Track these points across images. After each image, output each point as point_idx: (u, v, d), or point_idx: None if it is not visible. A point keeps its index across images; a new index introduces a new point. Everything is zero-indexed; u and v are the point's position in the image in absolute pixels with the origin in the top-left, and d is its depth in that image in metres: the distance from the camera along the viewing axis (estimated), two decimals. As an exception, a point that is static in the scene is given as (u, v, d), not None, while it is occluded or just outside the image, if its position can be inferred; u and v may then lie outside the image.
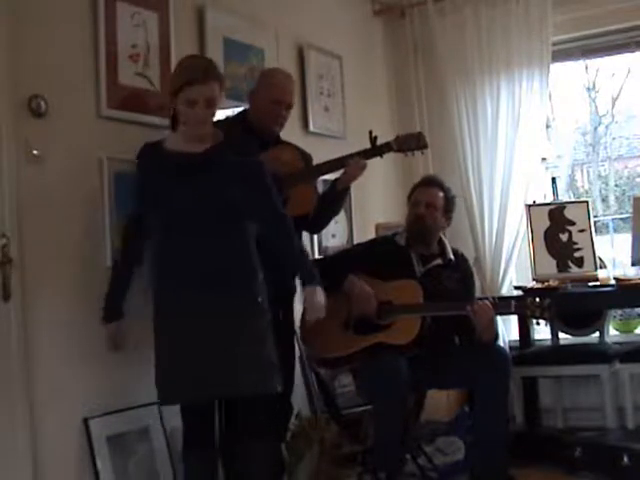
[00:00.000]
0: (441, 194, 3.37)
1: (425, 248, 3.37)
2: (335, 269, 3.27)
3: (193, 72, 2.54)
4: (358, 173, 3.18)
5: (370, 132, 3.20)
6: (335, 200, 3.26)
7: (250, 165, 2.64)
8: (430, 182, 3.43)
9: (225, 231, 2.56)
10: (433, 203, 3.35)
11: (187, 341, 2.51)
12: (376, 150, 3.21)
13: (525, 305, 3.09)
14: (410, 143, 3.25)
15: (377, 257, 3.34)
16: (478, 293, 3.85)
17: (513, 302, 3.17)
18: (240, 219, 2.60)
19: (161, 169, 2.59)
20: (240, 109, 3.24)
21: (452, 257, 3.40)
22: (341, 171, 3.21)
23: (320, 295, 2.71)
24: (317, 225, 3.37)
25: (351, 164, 3.15)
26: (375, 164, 3.44)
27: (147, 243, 2.67)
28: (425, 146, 3.29)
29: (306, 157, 3.21)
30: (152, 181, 2.59)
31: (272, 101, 3.07)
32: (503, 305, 3.17)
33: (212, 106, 2.56)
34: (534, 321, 3.21)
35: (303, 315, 3.26)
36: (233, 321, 2.53)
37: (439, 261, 3.37)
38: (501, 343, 4.03)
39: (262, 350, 2.56)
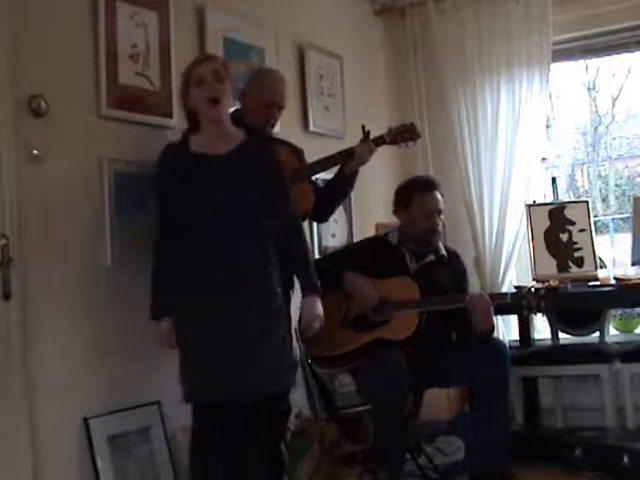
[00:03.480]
0: (440, 196, 3.39)
1: (421, 247, 3.38)
2: (330, 269, 3.28)
3: (195, 60, 2.70)
4: (367, 156, 3.17)
5: (363, 126, 3.21)
6: (343, 186, 3.26)
7: (272, 165, 2.68)
8: (432, 186, 3.39)
9: (245, 230, 2.58)
10: (441, 210, 3.36)
11: (213, 340, 2.52)
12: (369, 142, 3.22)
13: (521, 295, 3.11)
14: (403, 134, 3.25)
15: (370, 256, 3.36)
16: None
17: (509, 293, 3.21)
18: (259, 218, 2.62)
19: (185, 170, 2.60)
20: (234, 108, 3.24)
21: (444, 253, 3.42)
22: (335, 169, 3.22)
23: (320, 306, 2.73)
24: (324, 214, 3.39)
25: (361, 147, 3.15)
26: (375, 164, 3.44)
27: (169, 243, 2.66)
28: (418, 136, 3.28)
29: (299, 153, 3.22)
30: (175, 182, 2.60)
31: (263, 104, 3.07)
32: (499, 296, 3.22)
33: (221, 80, 2.61)
34: (532, 315, 3.24)
35: (300, 317, 3.27)
36: (256, 319, 2.55)
37: (432, 257, 3.38)
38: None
39: (282, 347, 2.60)
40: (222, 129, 2.65)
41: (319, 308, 2.72)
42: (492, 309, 3.15)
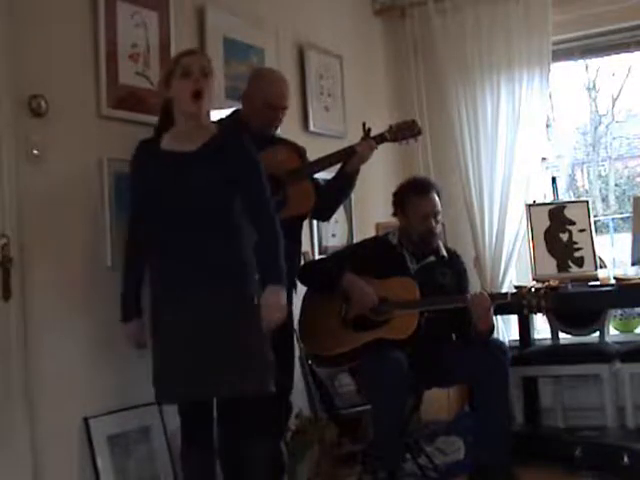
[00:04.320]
0: (437, 197, 3.38)
1: (420, 248, 3.38)
2: (330, 270, 3.29)
3: (182, 50, 2.69)
4: (368, 154, 3.16)
5: (364, 124, 3.21)
6: (344, 185, 3.25)
7: (242, 159, 2.60)
8: (428, 188, 3.38)
9: (216, 228, 2.54)
10: (439, 211, 3.36)
11: (180, 339, 2.50)
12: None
13: (521, 294, 3.11)
14: (404, 132, 3.24)
15: (371, 256, 3.36)
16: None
17: (509, 293, 3.22)
18: (232, 215, 2.58)
19: (155, 167, 2.59)
20: (233, 109, 3.23)
21: (445, 254, 3.43)
22: (336, 167, 3.22)
23: (282, 296, 2.56)
24: (325, 213, 3.39)
25: (362, 145, 3.15)
26: (375, 164, 3.44)
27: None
28: (419, 133, 3.27)
29: (301, 152, 3.22)
30: (147, 179, 2.60)
31: (268, 106, 3.07)
32: (500, 296, 3.22)
33: (207, 76, 2.58)
34: (532, 315, 3.24)
35: (301, 315, 3.28)
36: (226, 320, 2.51)
37: (432, 258, 3.39)
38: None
39: (255, 350, 2.54)
40: (197, 124, 2.60)
41: (281, 297, 2.55)
42: (492, 308, 3.16)
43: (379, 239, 3.55)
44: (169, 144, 2.61)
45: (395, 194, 3.46)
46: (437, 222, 3.35)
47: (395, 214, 3.45)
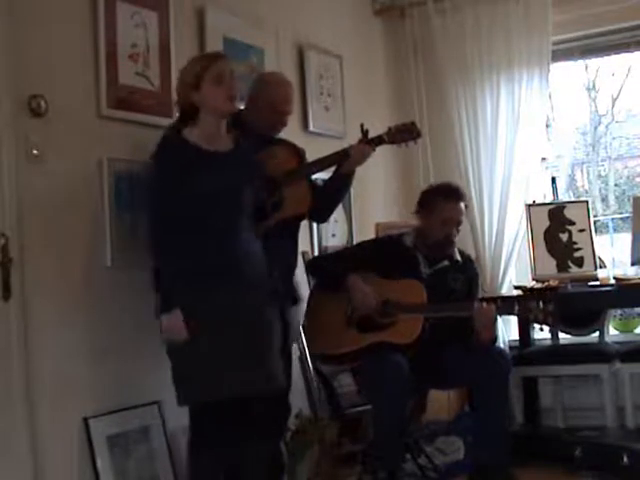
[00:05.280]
0: (464, 207, 3.37)
1: (434, 252, 3.36)
2: (337, 267, 3.29)
3: (210, 54, 2.77)
4: (361, 158, 3.13)
5: (362, 125, 3.20)
6: (340, 185, 3.23)
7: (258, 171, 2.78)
8: (458, 196, 3.35)
9: (252, 228, 2.67)
10: (461, 221, 3.35)
11: (229, 337, 2.52)
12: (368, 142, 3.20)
13: (529, 309, 3.09)
14: (403, 134, 3.21)
15: (383, 256, 3.34)
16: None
17: (516, 305, 3.17)
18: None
19: (194, 165, 2.58)
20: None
21: (459, 258, 3.41)
22: (332, 169, 3.22)
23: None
24: (322, 214, 3.39)
25: (357, 147, 3.13)
26: (375, 164, 3.44)
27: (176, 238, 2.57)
28: (418, 135, 3.24)
29: (300, 153, 3.21)
30: (185, 177, 2.55)
31: (274, 111, 3.08)
32: (506, 307, 3.19)
33: (235, 81, 2.67)
34: (536, 325, 3.22)
35: (306, 313, 3.28)
36: (264, 315, 2.62)
37: (446, 263, 3.37)
38: (501, 345, 4.05)
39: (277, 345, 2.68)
40: (222, 126, 2.67)
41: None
42: (496, 320, 3.16)
43: (393, 239, 3.48)
44: (201, 141, 2.61)
45: (424, 193, 3.43)
46: (457, 231, 3.33)
47: (417, 212, 3.42)
